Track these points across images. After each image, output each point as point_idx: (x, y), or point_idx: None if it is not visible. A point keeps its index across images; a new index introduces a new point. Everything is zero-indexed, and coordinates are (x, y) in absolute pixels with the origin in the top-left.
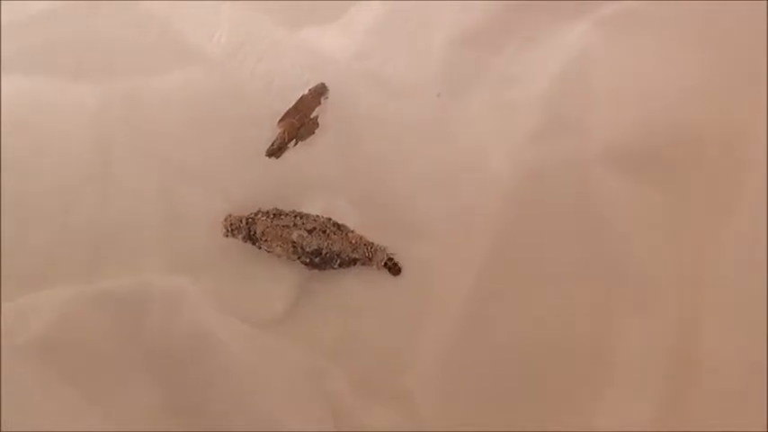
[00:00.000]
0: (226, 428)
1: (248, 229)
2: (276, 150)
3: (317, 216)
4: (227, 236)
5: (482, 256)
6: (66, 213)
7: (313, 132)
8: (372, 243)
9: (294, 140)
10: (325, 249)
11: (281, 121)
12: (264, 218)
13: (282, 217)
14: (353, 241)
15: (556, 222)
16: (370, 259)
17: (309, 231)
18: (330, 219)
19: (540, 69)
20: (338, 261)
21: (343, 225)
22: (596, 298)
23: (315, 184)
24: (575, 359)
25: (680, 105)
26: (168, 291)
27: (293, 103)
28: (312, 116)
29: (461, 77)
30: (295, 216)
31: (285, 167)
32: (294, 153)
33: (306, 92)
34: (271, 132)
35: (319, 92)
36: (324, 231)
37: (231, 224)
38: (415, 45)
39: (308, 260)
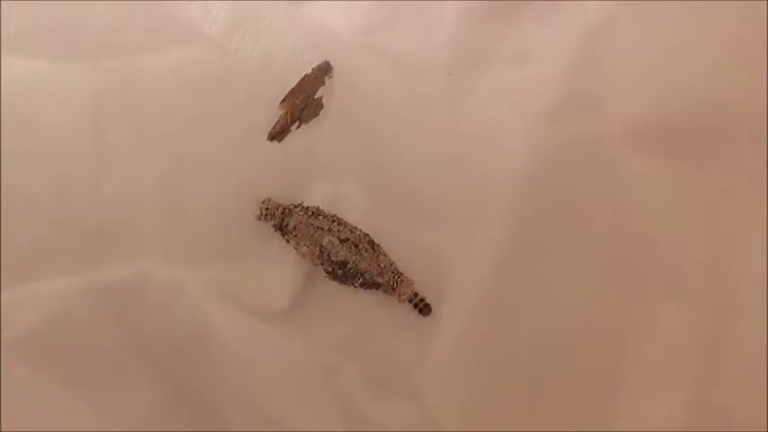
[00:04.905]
0: (228, 427)
1: (282, 219)
2: (278, 133)
3: (355, 228)
4: (259, 219)
5: (498, 244)
6: (60, 200)
7: (317, 114)
8: (401, 273)
9: (297, 123)
10: (351, 264)
11: (282, 102)
12: (302, 213)
13: (320, 218)
14: (382, 265)
15: (576, 205)
16: (394, 289)
17: (342, 241)
18: (367, 235)
19: (556, 43)
20: (361, 280)
21: (378, 246)
22: (621, 285)
23: (319, 168)
24: (598, 352)
25: (706, 78)
26: (167, 281)
27: (295, 83)
28: (316, 97)
29: (473, 53)
30: (333, 221)
31: (288, 151)
32: (297, 136)
33: (309, 71)
34: (272, 115)
35: (323, 71)
36: (356, 245)
37: (267, 208)
38: (423, 19)
39: (330, 269)
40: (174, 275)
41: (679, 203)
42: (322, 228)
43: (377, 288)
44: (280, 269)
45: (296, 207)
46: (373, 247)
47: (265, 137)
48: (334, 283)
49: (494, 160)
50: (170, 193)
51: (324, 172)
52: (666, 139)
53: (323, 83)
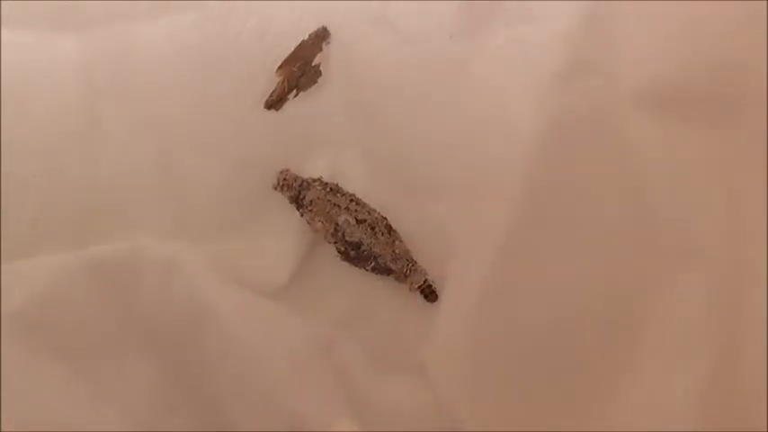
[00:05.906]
0: (226, 404)
1: (299, 192)
2: (275, 102)
3: (374, 210)
4: (275, 188)
5: (505, 216)
6: (53, 175)
7: (315, 81)
8: (415, 262)
9: (295, 90)
10: (365, 246)
11: (279, 69)
12: (320, 188)
13: (339, 195)
14: (397, 251)
15: (587, 174)
16: (406, 276)
17: (358, 221)
18: (385, 219)
19: (564, 4)
20: (373, 264)
21: (395, 231)
22: (635, 258)
23: (319, 138)
24: (609, 328)
25: (719, 39)
26: (164, 258)
27: (292, 49)
28: (313, 63)
29: (477, 16)
30: (351, 200)
31: (286, 120)
32: (295, 104)
33: (305, 37)
34: (269, 82)
35: (320, 36)
36: (372, 228)
37: (285, 179)
38: None
39: (343, 249)
40: (171, 251)
41: (695, 170)
42: (339, 205)
43: (388, 274)
44: (279, 244)
45: (314, 181)
46: (390, 232)
47: (262, 106)
48: (335, 258)
49: (500, 128)
50: (165, 166)
51: (323, 141)
52: (680, 102)
53: (320, 49)
